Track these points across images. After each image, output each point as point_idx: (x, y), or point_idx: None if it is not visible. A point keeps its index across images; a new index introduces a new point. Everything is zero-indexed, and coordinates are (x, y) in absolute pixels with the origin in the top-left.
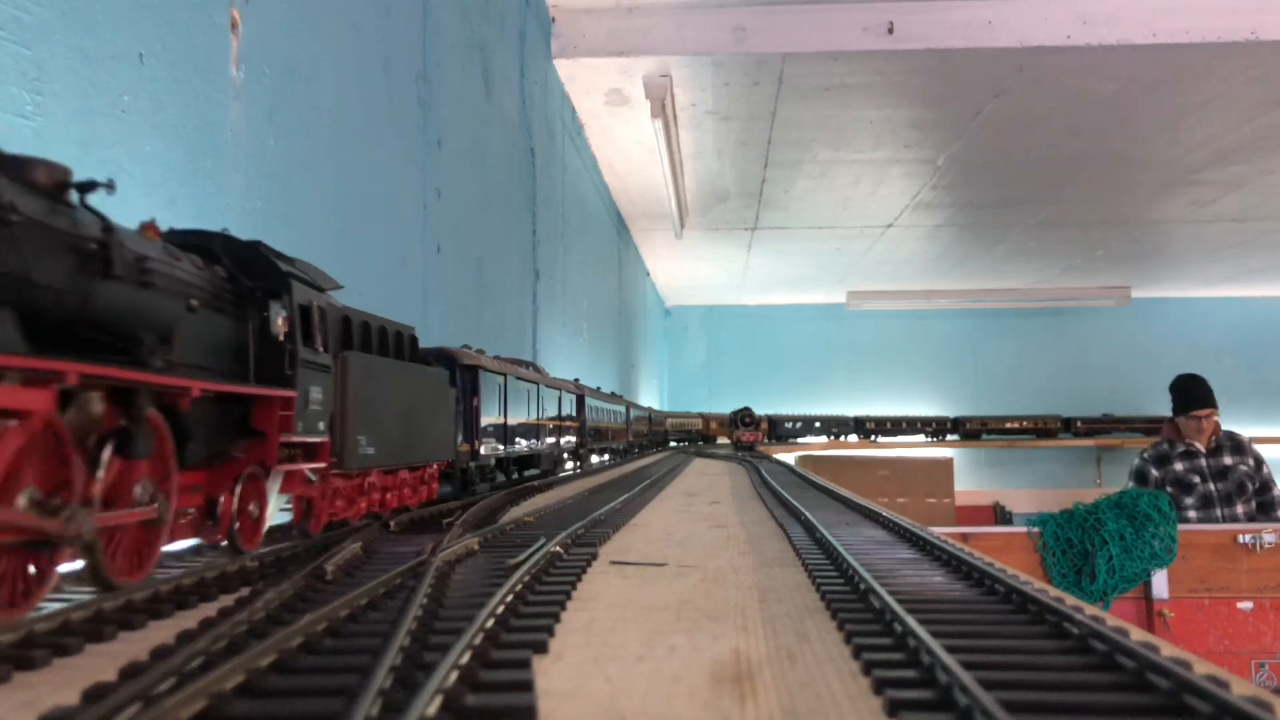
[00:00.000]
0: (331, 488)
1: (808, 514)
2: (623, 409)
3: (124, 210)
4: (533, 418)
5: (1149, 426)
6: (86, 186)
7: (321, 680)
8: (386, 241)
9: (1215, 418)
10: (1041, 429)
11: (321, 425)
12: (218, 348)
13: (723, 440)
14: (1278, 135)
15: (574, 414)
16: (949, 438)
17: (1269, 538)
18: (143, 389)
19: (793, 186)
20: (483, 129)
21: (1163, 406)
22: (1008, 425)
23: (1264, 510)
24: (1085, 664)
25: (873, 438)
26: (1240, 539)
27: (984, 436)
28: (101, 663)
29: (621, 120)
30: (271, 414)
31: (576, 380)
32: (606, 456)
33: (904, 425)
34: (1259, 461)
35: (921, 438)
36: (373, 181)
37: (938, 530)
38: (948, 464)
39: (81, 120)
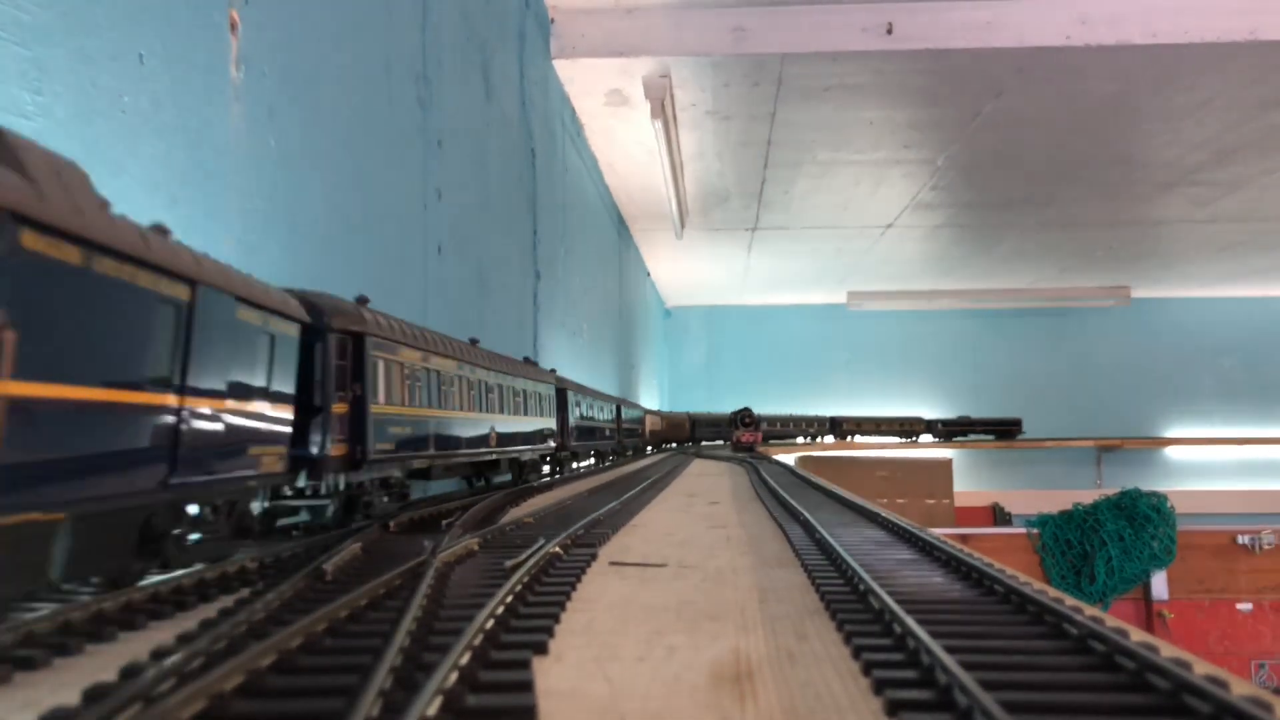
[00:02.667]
0: None
1: (807, 514)
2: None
3: (125, 209)
4: None
5: (1001, 429)
6: None
7: (322, 680)
8: (386, 241)
9: None
10: (907, 430)
11: None
12: None
13: (669, 445)
14: (1278, 135)
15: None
16: (826, 439)
17: (1268, 539)
18: None
19: (793, 187)
20: (483, 129)
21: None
22: (881, 426)
23: None
24: (1085, 664)
25: (766, 441)
26: (1240, 540)
27: (855, 438)
28: (102, 662)
29: (621, 120)
30: None
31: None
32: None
33: (790, 425)
34: None
35: (802, 439)
36: (373, 181)
37: (937, 531)
38: (947, 465)
39: (82, 120)
